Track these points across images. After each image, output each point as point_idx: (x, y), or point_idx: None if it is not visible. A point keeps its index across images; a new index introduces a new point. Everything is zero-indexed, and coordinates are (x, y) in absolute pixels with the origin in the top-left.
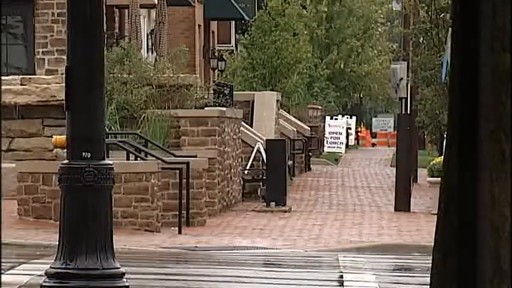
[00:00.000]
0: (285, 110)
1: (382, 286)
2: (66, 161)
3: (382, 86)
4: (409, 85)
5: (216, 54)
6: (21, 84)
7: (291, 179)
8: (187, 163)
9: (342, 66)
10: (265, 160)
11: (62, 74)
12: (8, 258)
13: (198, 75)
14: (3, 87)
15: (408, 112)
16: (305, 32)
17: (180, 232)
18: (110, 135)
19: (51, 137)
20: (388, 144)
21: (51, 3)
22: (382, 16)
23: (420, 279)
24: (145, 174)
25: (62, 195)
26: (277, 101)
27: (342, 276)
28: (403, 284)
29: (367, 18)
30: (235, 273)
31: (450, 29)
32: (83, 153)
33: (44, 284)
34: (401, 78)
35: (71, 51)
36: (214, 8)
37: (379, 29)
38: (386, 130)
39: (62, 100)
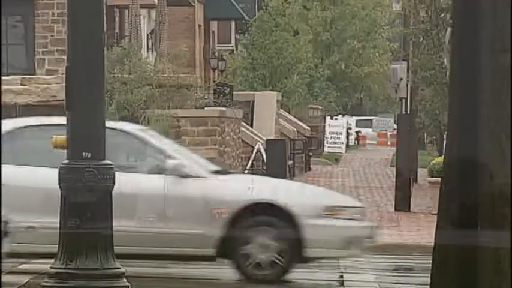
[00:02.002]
0: (285, 110)
1: (382, 286)
2: (66, 161)
3: (382, 86)
4: (409, 85)
5: (216, 54)
6: (22, 84)
7: (291, 179)
8: None
9: (342, 67)
10: (265, 160)
11: (62, 74)
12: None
13: (198, 75)
14: (3, 87)
15: (408, 112)
16: (309, 33)
17: None
18: None
19: (51, 137)
20: (388, 144)
21: (51, 3)
22: (385, 18)
23: (420, 279)
24: None
25: (61, 195)
26: (277, 101)
27: (342, 276)
28: (403, 284)
29: (371, 22)
30: (235, 273)
31: (449, 28)
32: (83, 153)
33: (44, 284)
34: (401, 78)
35: (71, 51)
36: (215, 8)
37: (382, 34)
38: (386, 130)
39: (62, 100)
